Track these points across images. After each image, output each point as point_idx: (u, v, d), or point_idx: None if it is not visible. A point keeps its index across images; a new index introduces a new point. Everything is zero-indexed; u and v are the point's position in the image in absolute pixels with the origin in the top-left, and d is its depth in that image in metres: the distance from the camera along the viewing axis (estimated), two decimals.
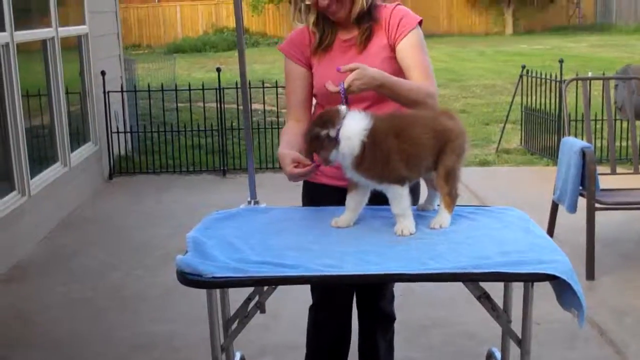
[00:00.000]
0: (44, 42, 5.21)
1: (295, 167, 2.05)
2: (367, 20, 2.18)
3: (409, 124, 2.01)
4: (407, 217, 1.99)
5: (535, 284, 1.80)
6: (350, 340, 2.53)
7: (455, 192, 2.05)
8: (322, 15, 2.18)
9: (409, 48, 2.16)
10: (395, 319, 2.51)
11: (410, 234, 1.97)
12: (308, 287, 3.48)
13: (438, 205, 2.13)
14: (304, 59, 2.25)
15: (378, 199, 2.18)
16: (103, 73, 6.24)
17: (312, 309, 2.51)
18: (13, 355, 3.15)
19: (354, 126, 1.95)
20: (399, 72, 2.16)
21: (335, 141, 1.95)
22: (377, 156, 1.95)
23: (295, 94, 2.28)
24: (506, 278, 1.79)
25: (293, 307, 3.53)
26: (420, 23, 2.20)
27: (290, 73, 2.28)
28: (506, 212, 2.16)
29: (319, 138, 1.97)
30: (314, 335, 2.53)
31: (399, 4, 2.25)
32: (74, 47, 6.00)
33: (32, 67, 5.13)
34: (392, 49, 2.18)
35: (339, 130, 1.95)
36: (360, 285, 2.37)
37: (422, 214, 2.13)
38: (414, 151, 1.98)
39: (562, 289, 1.77)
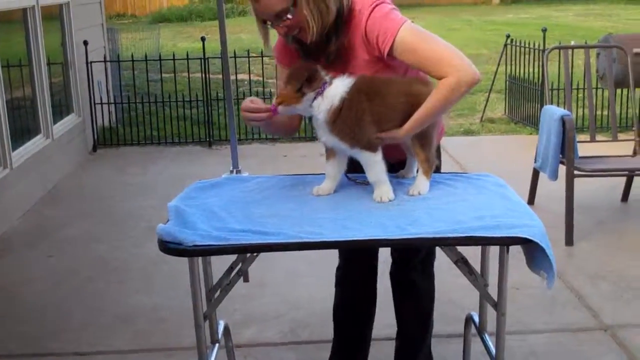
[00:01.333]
0: (24, 10, 5.13)
1: (251, 110, 2.02)
2: (336, 39, 2.05)
3: (383, 86, 2.00)
4: (384, 183, 2.01)
5: (515, 250, 1.84)
6: (376, 299, 2.54)
7: (432, 159, 2.07)
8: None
9: (408, 54, 1.99)
10: (417, 284, 2.47)
11: (389, 200, 1.99)
12: (291, 255, 3.54)
13: (417, 173, 2.15)
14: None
15: (358, 167, 2.21)
16: (85, 43, 6.17)
17: (337, 270, 2.54)
18: None
19: (339, 84, 1.98)
20: (396, 68, 2.08)
21: (321, 89, 1.96)
22: (350, 115, 1.96)
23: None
24: (481, 242, 1.82)
25: (277, 276, 3.58)
26: (400, 27, 1.99)
27: (281, 72, 2.25)
28: (483, 179, 2.19)
29: (314, 74, 1.97)
30: (339, 294, 2.55)
31: (372, 10, 2.02)
32: (56, 16, 5.92)
33: (12, 37, 5.06)
34: (382, 59, 2.04)
35: (327, 83, 1.97)
36: (343, 250, 2.40)
37: (401, 180, 2.16)
38: (385, 113, 1.98)
39: (533, 252, 1.81)
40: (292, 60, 2.15)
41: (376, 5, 2.01)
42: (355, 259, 2.48)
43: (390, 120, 2.00)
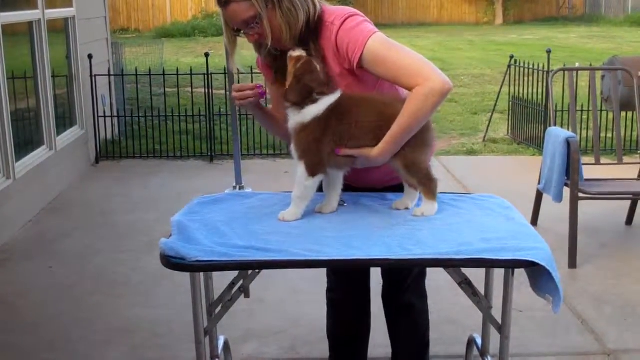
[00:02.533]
0: (30, 24, 5.16)
1: (240, 89, 2.03)
2: (308, 48, 2.03)
3: (355, 105, 1.98)
4: (296, 206, 2.02)
5: (519, 272, 1.82)
6: (370, 322, 2.51)
7: (427, 180, 2.00)
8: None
9: (376, 64, 1.96)
10: (414, 306, 2.43)
11: (286, 220, 1.99)
12: (293, 273, 3.52)
13: (408, 207, 2.10)
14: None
15: (360, 187, 2.19)
16: (90, 56, 6.20)
17: (328, 291, 2.50)
18: None
19: (323, 102, 1.97)
20: (368, 83, 2.07)
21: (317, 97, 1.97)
22: (314, 129, 1.96)
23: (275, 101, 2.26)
24: (487, 264, 1.81)
25: (277, 292, 3.55)
26: (370, 37, 1.96)
27: (269, 87, 2.26)
28: (488, 200, 2.18)
29: (327, 81, 1.97)
30: (332, 317, 2.52)
31: (343, 21, 2.00)
32: (61, 29, 5.95)
33: (18, 50, 5.08)
34: (354, 72, 2.02)
35: (326, 94, 1.97)
36: (344, 270, 2.37)
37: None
38: (351, 133, 1.96)
39: (538, 275, 1.79)
40: (271, 76, 2.16)
41: (348, 17, 2.01)
42: (350, 279, 2.43)
43: (355, 139, 1.96)
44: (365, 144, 1.97)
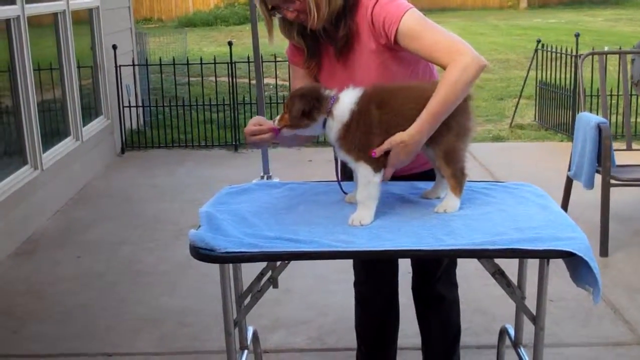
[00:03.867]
0: (55, 15, 5.18)
1: (254, 134, 1.96)
2: (345, 23, 2.01)
3: (392, 94, 1.92)
4: (367, 208, 1.89)
5: (549, 261, 1.78)
6: (399, 314, 2.48)
7: (460, 174, 1.94)
8: (303, 29, 2.05)
9: (411, 40, 1.93)
10: (445, 298, 2.40)
11: (362, 224, 1.87)
12: (320, 263, 3.50)
13: (439, 197, 2.04)
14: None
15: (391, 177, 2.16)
16: (114, 47, 6.21)
17: (356, 285, 2.47)
18: (24, 328, 3.17)
19: (345, 98, 1.91)
20: (404, 61, 2.04)
21: (329, 109, 1.90)
22: (358, 127, 1.88)
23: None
24: (522, 254, 1.76)
25: (304, 281, 3.54)
26: (406, 12, 1.95)
27: (294, 72, 2.23)
28: (522, 188, 2.13)
29: (320, 96, 1.90)
30: (360, 311, 2.49)
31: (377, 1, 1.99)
32: (85, 20, 5.97)
33: (44, 41, 5.10)
34: (390, 48, 1.99)
35: (333, 100, 1.91)
36: (376, 261, 2.35)
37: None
38: (395, 122, 1.88)
39: (576, 265, 1.75)
40: (300, 60, 2.12)
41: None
42: (378, 271, 2.40)
43: (400, 128, 1.88)
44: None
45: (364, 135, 1.88)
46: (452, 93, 1.86)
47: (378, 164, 1.89)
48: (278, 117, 1.96)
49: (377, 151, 1.88)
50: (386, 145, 1.87)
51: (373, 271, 2.40)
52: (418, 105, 1.88)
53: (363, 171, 1.90)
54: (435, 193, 2.06)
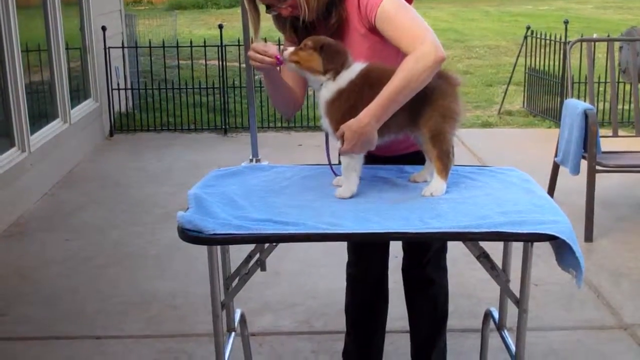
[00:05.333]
0: None
1: (258, 53, 1.97)
2: (336, 12, 2.04)
3: (385, 75, 1.93)
4: (350, 180, 1.95)
5: (533, 245, 1.80)
6: (388, 298, 2.51)
7: (446, 157, 1.95)
8: (295, 21, 2.08)
9: (385, 24, 1.98)
10: (434, 282, 2.43)
11: (343, 197, 1.93)
12: (308, 245, 3.53)
13: (427, 180, 2.06)
14: None
15: (378, 159, 2.17)
16: (104, 28, 6.17)
17: (348, 267, 2.50)
18: (11, 310, 3.18)
19: (356, 68, 1.96)
20: (393, 47, 2.04)
21: (338, 69, 1.94)
22: (348, 99, 1.92)
23: (290, 78, 2.23)
24: (507, 238, 1.78)
25: (293, 264, 3.56)
26: None
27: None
28: (507, 173, 2.15)
29: (343, 55, 1.94)
30: (350, 293, 2.52)
31: None
32: (74, 1, 5.92)
33: (32, 22, 5.06)
34: (375, 31, 2.03)
35: (348, 65, 1.95)
36: (363, 244, 2.37)
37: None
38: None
39: (561, 249, 1.77)
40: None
41: None
42: (368, 253, 2.43)
43: None
44: (399, 121, 1.93)
45: (349, 110, 1.92)
46: (406, 81, 1.87)
47: None
48: (289, 50, 1.98)
49: (337, 135, 1.92)
50: (340, 130, 1.91)
51: (363, 253, 2.43)
52: None
53: (339, 144, 1.93)
54: (423, 177, 2.08)
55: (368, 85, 1.93)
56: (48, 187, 4.87)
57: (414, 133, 1.99)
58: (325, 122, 2.00)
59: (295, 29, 2.10)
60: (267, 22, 2.16)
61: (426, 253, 2.38)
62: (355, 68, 1.96)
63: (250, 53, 1.99)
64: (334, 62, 1.94)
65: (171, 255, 3.73)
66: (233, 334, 2.25)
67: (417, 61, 1.87)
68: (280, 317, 3.08)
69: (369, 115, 1.89)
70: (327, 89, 1.96)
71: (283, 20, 2.10)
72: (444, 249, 2.42)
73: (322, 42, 1.96)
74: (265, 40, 4.97)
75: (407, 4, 2.02)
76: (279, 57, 1.97)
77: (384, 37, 2.00)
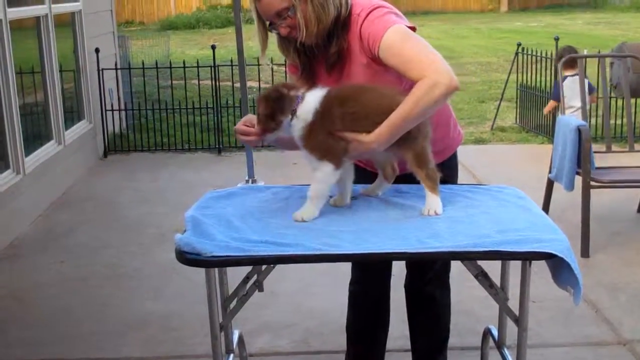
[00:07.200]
0: (37, 19, 5.15)
1: (243, 134, 2.04)
2: (336, 41, 2.05)
3: (354, 90, 1.96)
4: (313, 205, 1.95)
5: (532, 262, 1.81)
6: (389, 317, 2.51)
7: (434, 174, 1.98)
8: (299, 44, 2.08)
9: (389, 55, 1.96)
10: (436, 300, 2.44)
11: (303, 220, 1.93)
12: (305, 266, 3.50)
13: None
14: None
15: (375, 171, 2.18)
16: (97, 50, 6.19)
17: (350, 285, 2.51)
18: (6, 333, 3.15)
19: (310, 98, 1.95)
20: (395, 75, 2.05)
21: (294, 109, 1.94)
22: (322, 125, 1.92)
23: None
24: (505, 257, 1.79)
25: (290, 285, 3.55)
26: (389, 28, 1.98)
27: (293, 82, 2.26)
28: (504, 191, 2.16)
29: (282, 98, 1.94)
30: (351, 311, 2.52)
31: (369, 13, 2.02)
32: (68, 24, 5.94)
33: (26, 45, 5.07)
34: (378, 61, 2.02)
35: (299, 100, 1.94)
36: (363, 263, 2.37)
37: (423, 194, 2.11)
38: (359, 114, 1.92)
39: (558, 267, 1.78)
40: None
41: (374, 9, 2.02)
42: (371, 272, 2.43)
43: (364, 118, 1.92)
44: (372, 129, 1.93)
45: (327, 136, 1.93)
46: (416, 108, 1.88)
47: (339, 160, 1.94)
48: (257, 127, 2.01)
49: (339, 134, 1.93)
50: (348, 136, 1.92)
51: (366, 272, 2.44)
52: (382, 96, 1.93)
53: (325, 169, 1.94)
54: (374, 191, 2.14)
55: (337, 104, 1.94)
56: (42, 208, 4.85)
57: (397, 154, 2.02)
58: (306, 155, 1.99)
59: (299, 53, 2.11)
60: (255, 41, 2.18)
61: (429, 271, 2.39)
62: (312, 97, 1.95)
63: (239, 136, 2.07)
64: (284, 105, 1.94)
65: (167, 275, 3.71)
66: (232, 355, 2.25)
67: (429, 89, 1.87)
68: (278, 337, 3.06)
69: (378, 134, 1.90)
70: (295, 128, 1.96)
71: (287, 42, 2.10)
72: (447, 268, 2.42)
73: (263, 98, 1.97)
74: (272, 60, 5.01)
75: (411, 32, 1.99)
76: (260, 135, 2.01)
77: (388, 65, 1.99)
